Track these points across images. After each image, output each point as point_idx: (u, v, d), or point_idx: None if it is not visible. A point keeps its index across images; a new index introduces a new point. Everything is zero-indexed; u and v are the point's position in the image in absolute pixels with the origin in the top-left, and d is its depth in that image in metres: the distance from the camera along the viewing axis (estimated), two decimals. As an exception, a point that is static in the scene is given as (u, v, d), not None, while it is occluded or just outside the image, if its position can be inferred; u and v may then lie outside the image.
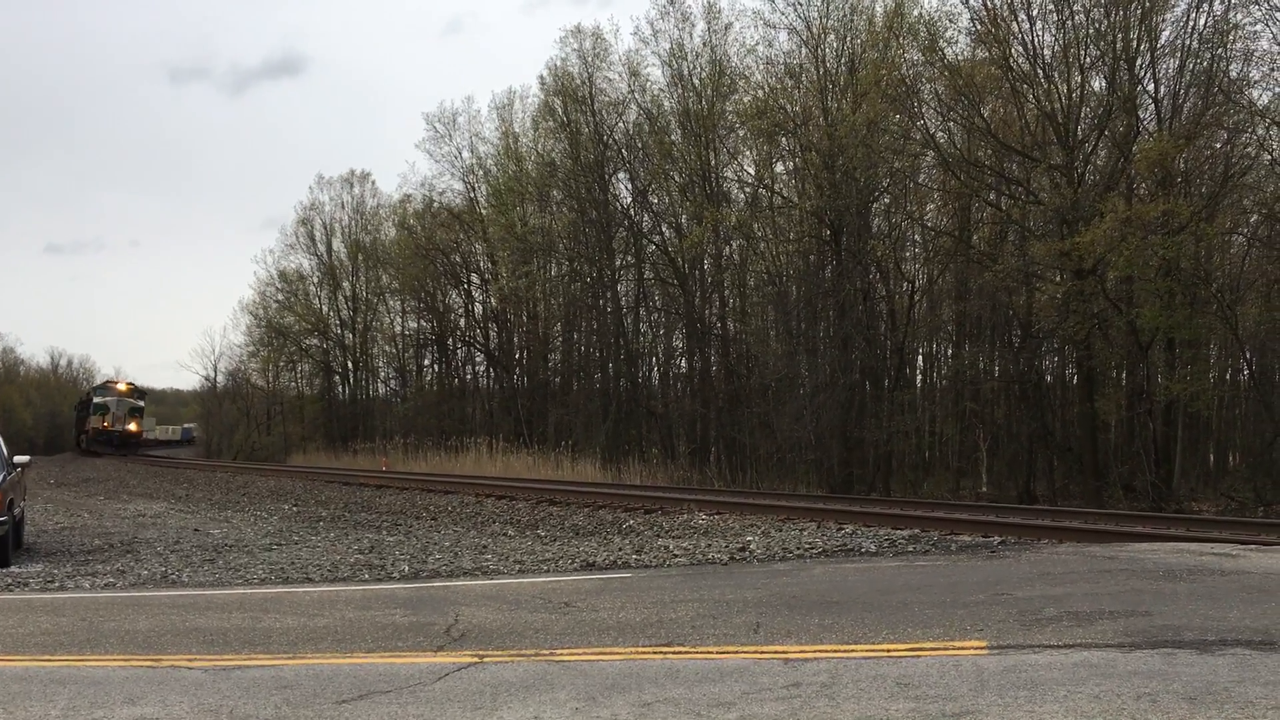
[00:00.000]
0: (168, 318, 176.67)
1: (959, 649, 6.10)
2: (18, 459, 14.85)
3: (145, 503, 24.21)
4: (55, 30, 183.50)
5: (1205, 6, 25.96)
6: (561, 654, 6.41)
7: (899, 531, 12.97)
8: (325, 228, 66.25)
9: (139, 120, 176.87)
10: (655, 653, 6.36)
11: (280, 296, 68.30)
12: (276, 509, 21.47)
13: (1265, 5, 24.19)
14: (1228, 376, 31.66)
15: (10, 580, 10.91)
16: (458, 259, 53.36)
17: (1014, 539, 12.09)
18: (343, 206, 65.59)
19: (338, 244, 66.11)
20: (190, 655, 6.65)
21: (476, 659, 6.33)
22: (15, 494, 13.84)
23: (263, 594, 9.66)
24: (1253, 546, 10.75)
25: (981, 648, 6.10)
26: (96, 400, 66.60)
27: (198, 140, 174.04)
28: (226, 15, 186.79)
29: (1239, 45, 25.97)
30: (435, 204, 53.45)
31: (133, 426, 66.20)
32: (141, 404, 70.50)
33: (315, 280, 67.30)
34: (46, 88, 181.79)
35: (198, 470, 36.90)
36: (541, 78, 44.49)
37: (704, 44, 39.26)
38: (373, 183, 65.15)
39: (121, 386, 69.10)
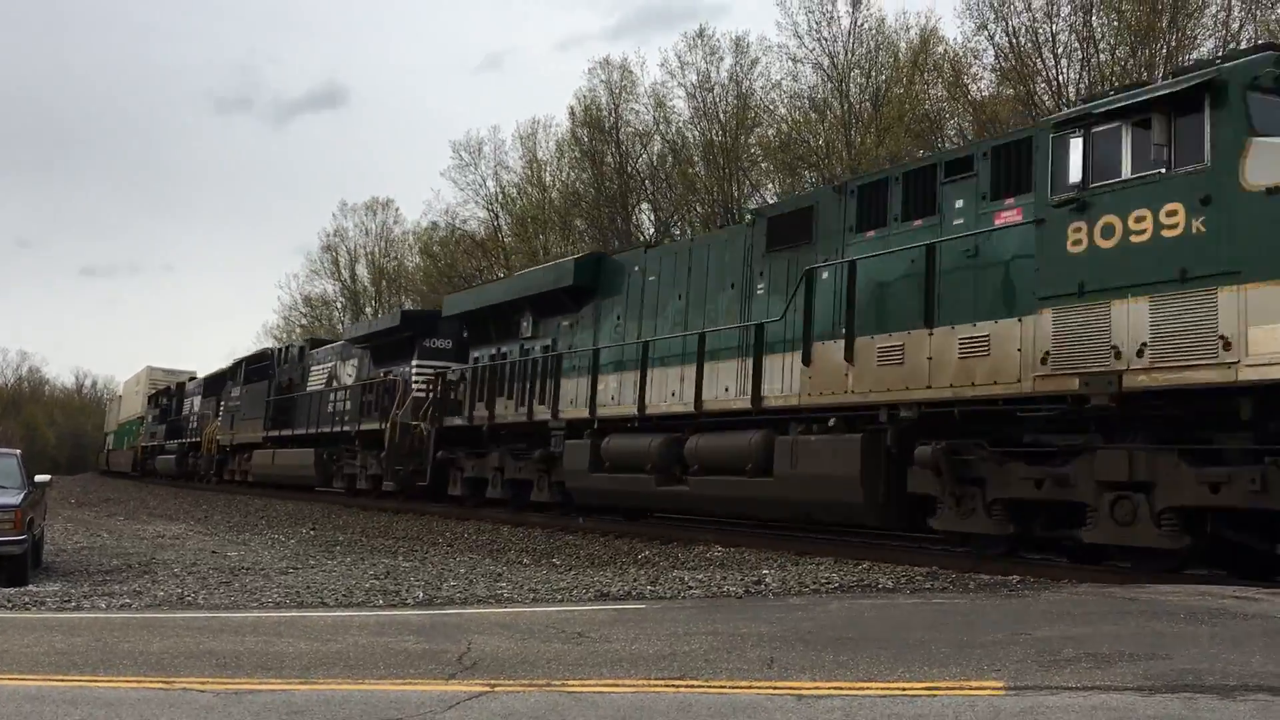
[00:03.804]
0: (195, 341, 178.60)
1: (976, 689, 6.02)
2: (39, 478, 14.95)
3: (165, 524, 24.28)
4: (114, 61, 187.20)
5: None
6: (573, 685, 6.36)
7: (917, 568, 12.86)
8: (350, 254, 66.90)
9: (182, 148, 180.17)
10: (667, 685, 6.31)
11: (304, 321, 68.85)
12: (294, 533, 21.49)
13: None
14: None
15: (27, 599, 10.95)
16: (480, 286, 53.67)
17: (1033, 578, 11.96)
18: (366, 233, 66.27)
19: (361, 269, 66.75)
20: (203, 678, 6.65)
21: (488, 688, 6.29)
22: (35, 513, 13.91)
23: (277, 617, 9.65)
24: (1277, 591, 10.59)
25: (999, 688, 6.02)
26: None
27: (236, 168, 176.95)
28: (273, 48, 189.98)
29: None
30: (458, 231, 53.89)
31: None
32: None
33: (339, 305, 67.87)
34: (93, 116, 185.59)
35: (218, 492, 37.03)
36: (571, 109, 45.05)
37: (730, 78, 39.58)
38: (396, 210, 65.90)
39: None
